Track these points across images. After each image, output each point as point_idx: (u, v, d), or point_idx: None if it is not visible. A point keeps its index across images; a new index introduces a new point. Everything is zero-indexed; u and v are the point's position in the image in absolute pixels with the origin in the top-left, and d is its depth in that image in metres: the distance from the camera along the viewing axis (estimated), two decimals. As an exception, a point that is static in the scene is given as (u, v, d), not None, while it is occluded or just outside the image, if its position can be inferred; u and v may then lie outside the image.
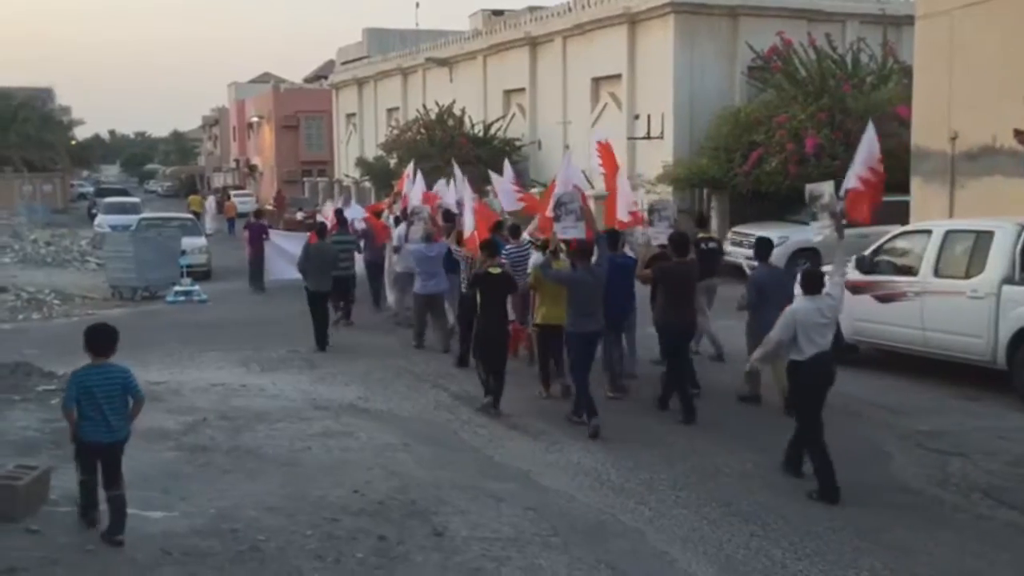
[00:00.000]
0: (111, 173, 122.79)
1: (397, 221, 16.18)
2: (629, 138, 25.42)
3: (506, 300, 10.42)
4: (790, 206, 18.97)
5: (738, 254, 18.60)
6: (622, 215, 11.60)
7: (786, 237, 17.73)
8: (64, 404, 6.18)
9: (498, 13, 39.73)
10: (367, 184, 38.58)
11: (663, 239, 11.06)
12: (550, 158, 28.16)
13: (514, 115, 31.88)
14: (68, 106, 77.89)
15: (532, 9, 32.42)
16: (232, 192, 52.59)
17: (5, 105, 57.00)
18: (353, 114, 46.34)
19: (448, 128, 31.53)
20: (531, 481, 7.91)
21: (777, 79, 22.21)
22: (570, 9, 28.40)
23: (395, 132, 35.03)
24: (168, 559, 5.87)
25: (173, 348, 13.74)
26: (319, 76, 68.23)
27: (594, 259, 9.58)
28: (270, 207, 38.27)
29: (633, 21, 25.45)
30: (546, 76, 29.95)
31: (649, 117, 24.71)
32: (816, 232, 10.01)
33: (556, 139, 28.47)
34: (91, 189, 66.76)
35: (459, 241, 12.66)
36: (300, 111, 59.27)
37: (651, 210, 12.15)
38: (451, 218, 14.14)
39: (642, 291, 10.97)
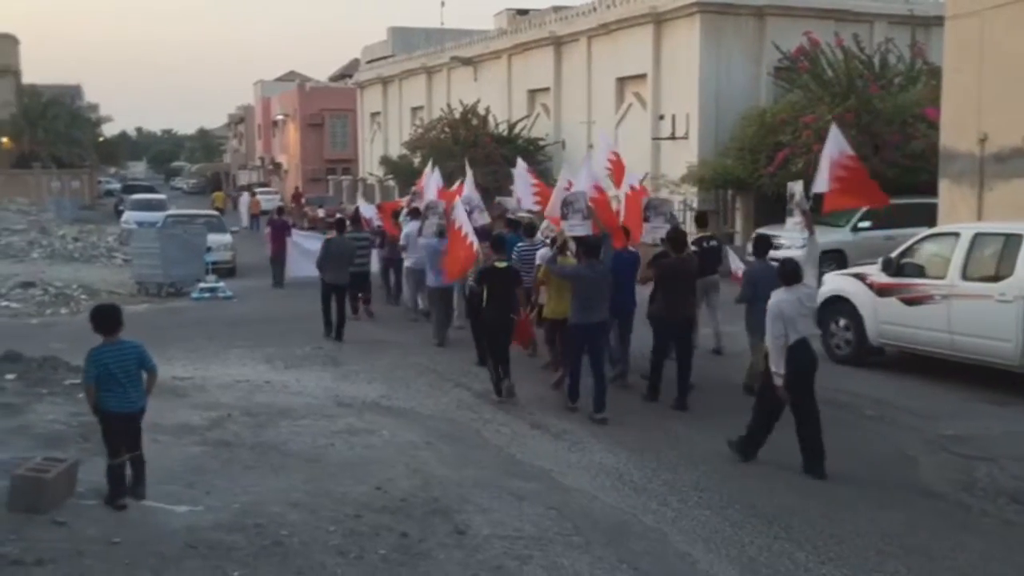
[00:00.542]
0: (138, 170, 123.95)
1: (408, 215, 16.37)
2: (654, 138, 25.38)
3: (512, 293, 10.70)
4: (815, 208, 18.78)
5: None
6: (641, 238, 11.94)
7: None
8: (84, 380, 6.65)
9: (523, 12, 39.78)
10: (391, 183, 38.71)
11: (660, 234, 11.42)
12: (574, 158, 28.13)
13: (538, 115, 31.88)
14: (96, 103, 79.22)
15: (557, 8, 32.38)
16: (257, 189, 53.01)
17: (34, 102, 57.75)
18: (378, 113, 46.44)
19: (472, 127, 31.60)
20: (553, 480, 7.92)
21: (804, 79, 22.01)
22: (595, 8, 28.34)
23: (419, 131, 35.14)
24: (193, 553, 5.91)
25: (198, 344, 13.88)
26: (344, 75, 68.53)
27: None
28: (291, 204, 38.51)
29: (659, 21, 25.37)
30: (571, 76, 29.91)
31: (674, 117, 24.64)
32: (789, 227, 10.76)
33: (580, 139, 28.43)
34: (118, 186, 67.31)
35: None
36: (325, 109, 59.59)
37: (648, 206, 12.21)
38: (513, 224, 13.93)
39: (643, 289, 11.21)
